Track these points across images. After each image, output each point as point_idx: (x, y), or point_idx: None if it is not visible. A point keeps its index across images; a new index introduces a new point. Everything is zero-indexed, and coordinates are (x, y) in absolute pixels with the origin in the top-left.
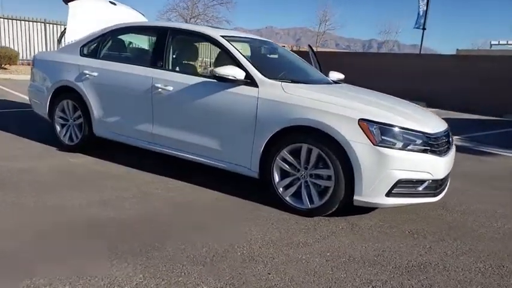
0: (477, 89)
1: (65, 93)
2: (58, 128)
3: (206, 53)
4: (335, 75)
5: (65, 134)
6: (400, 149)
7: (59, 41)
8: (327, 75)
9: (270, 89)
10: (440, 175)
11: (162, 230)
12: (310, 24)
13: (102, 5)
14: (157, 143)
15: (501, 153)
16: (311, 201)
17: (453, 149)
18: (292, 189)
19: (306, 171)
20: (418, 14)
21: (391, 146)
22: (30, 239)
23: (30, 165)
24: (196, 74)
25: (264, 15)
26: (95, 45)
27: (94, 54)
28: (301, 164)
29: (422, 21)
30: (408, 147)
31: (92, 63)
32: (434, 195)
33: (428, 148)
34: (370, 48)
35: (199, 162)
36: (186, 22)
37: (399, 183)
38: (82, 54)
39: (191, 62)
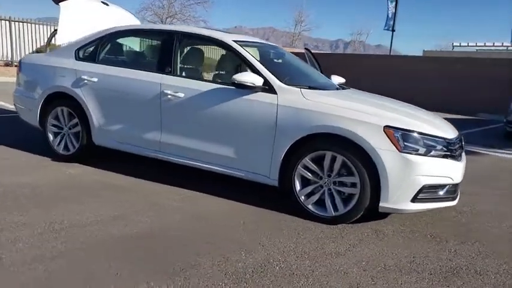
0: (451, 89)
1: (59, 99)
2: (51, 136)
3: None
4: (337, 79)
5: (59, 143)
6: (423, 154)
7: (48, 43)
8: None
9: (290, 96)
10: (459, 179)
11: (189, 245)
12: (284, 25)
13: (94, 6)
14: (166, 152)
15: (487, 152)
16: (335, 208)
17: (463, 153)
18: (315, 198)
19: (330, 178)
20: (387, 16)
21: (415, 152)
22: (52, 262)
23: (27, 179)
24: (208, 80)
25: (233, 15)
26: (93, 48)
27: (92, 58)
28: (325, 171)
29: (391, 23)
30: (431, 153)
31: (90, 68)
32: (453, 199)
33: (448, 153)
34: (337, 49)
35: (212, 171)
36: (162, 21)
37: (424, 188)
38: (78, 58)
39: (201, 68)
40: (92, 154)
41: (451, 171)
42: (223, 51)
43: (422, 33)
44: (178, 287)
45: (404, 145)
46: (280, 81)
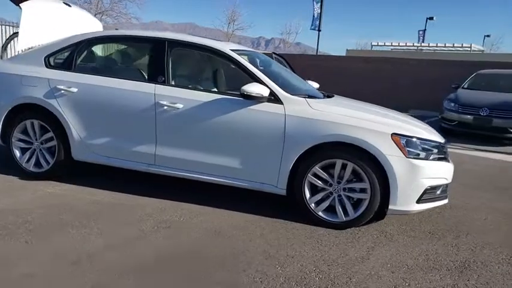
0: (382, 87)
1: (28, 112)
2: (17, 153)
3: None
4: (313, 84)
5: (28, 160)
6: (424, 158)
7: (5, 48)
8: None
9: (296, 106)
10: (451, 178)
11: (219, 263)
12: (218, 23)
13: (57, 7)
14: (162, 165)
15: None
16: (346, 214)
17: None
18: (325, 204)
19: (339, 185)
20: (313, 16)
21: (418, 156)
22: None
23: (6, 203)
24: (205, 90)
25: (151, 9)
26: (68, 55)
27: (67, 66)
28: (335, 178)
29: (317, 23)
30: (430, 157)
31: (67, 76)
32: (446, 197)
33: (442, 156)
34: (258, 46)
35: (215, 182)
36: None
37: (427, 190)
38: (49, 66)
39: (196, 77)
40: (69, 170)
41: (446, 172)
42: (216, 61)
43: (342, 32)
44: None
45: (409, 151)
46: (284, 91)
